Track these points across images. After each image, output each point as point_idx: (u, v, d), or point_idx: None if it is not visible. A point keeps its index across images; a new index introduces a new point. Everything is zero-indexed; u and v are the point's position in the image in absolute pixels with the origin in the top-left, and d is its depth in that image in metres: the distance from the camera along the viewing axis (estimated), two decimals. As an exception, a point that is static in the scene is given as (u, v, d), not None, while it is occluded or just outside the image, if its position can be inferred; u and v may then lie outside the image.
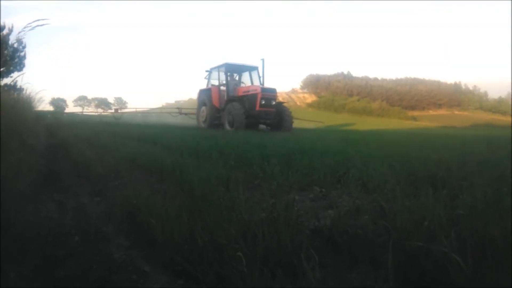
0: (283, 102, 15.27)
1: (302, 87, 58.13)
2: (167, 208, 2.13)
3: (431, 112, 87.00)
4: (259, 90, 13.18)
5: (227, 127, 13.60)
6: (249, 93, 13.69)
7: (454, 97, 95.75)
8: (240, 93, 14.37)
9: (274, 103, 13.52)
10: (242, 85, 15.92)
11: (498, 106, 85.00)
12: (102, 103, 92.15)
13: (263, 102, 13.08)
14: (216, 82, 16.00)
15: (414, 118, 72.43)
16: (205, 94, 15.86)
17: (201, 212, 2.09)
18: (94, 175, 3.65)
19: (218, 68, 15.70)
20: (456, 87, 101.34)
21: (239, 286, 1.26)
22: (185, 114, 21.02)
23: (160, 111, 24.51)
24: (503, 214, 1.59)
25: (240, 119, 12.74)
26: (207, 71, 16.60)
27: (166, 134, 9.23)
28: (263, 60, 14.31)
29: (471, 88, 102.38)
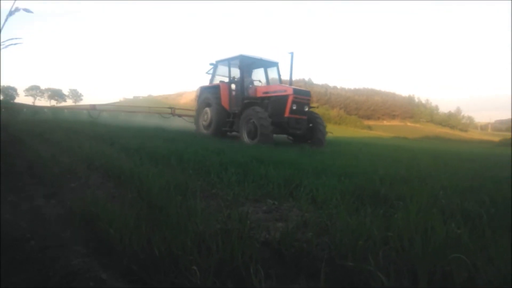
0: (313, 106, 11.62)
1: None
2: (126, 216, 2.21)
3: (385, 123, 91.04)
4: (290, 92, 10.05)
5: (246, 139, 10.18)
6: (275, 94, 10.54)
7: (408, 109, 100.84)
8: (260, 94, 11.10)
9: (307, 109, 10.53)
10: (258, 83, 12.63)
11: (447, 120, 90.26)
12: (55, 94, 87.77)
13: (295, 108, 10.02)
14: (225, 79, 12.68)
15: (369, 127, 75.43)
16: (210, 93, 12.28)
17: (159, 221, 2.19)
18: (49, 175, 3.62)
19: (229, 60, 12.25)
20: (410, 100, 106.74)
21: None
22: (179, 116, 17.73)
23: (149, 110, 18.92)
24: (428, 235, 1.83)
25: (267, 129, 9.44)
26: (211, 64, 13.15)
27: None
28: (292, 54, 10.77)
29: (423, 101, 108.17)
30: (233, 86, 11.87)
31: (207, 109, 12.29)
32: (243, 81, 11.59)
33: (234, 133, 11.31)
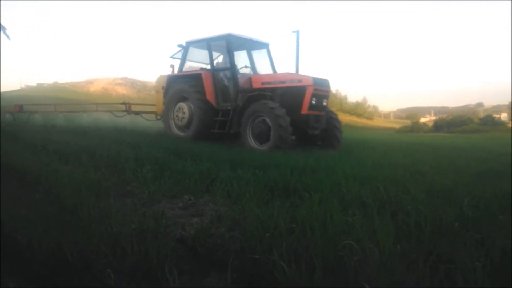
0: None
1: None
2: (34, 220, 2.13)
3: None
4: (309, 82, 7.91)
5: (251, 142, 7.90)
6: (286, 85, 8.23)
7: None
8: (257, 85, 8.56)
9: (326, 103, 8.47)
10: (245, 71, 9.85)
11: (355, 109, 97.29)
12: None
13: (314, 102, 7.94)
14: (200, 66, 10.27)
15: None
16: (186, 84, 9.44)
17: (70, 224, 2.15)
18: None
19: (209, 41, 9.46)
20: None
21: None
22: (136, 113, 13.84)
23: (97, 108, 14.38)
24: (327, 223, 2.06)
25: (286, 131, 7.40)
26: (180, 46, 10.15)
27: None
28: (297, 33, 8.66)
29: (334, 91, 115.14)
30: (220, 75, 9.45)
31: (183, 105, 9.46)
32: (235, 68, 8.94)
33: (226, 135, 8.91)
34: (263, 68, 10.15)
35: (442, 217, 2.36)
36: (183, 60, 10.12)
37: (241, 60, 10.07)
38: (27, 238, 1.93)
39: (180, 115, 9.53)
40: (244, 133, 7.98)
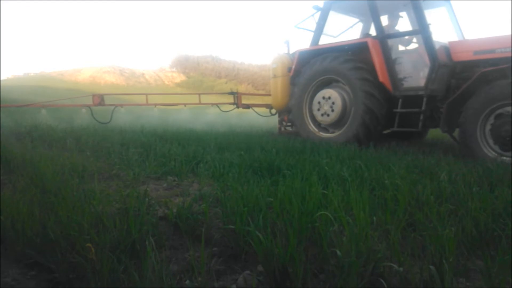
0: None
1: (171, 66, 57.09)
2: (18, 202, 2.15)
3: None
4: None
5: (488, 150, 4.72)
6: None
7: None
8: (465, 56, 5.58)
9: None
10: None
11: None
12: None
13: None
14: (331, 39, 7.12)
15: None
16: (335, 60, 6.32)
17: (53, 205, 2.17)
18: None
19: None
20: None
21: (89, 272, 1.46)
22: (246, 106, 9.39)
23: (199, 100, 9.51)
24: (306, 198, 2.12)
25: None
26: (316, 8, 7.00)
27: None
28: None
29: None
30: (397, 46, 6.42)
31: (329, 92, 6.33)
32: (428, 31, 5.61)
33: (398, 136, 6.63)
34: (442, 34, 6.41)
35: (419, 190, 2.44)
36: (320, 28, 6.90)
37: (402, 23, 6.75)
38: (10, 220, 1.95)
39: (326, 107, 6.34)
40: (472, 136, 4.82)
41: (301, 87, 6.69)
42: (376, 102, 5.76)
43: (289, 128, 7.76)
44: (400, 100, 5.70)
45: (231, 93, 9.20)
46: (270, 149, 4.32)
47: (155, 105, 9.37)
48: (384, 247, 1.61)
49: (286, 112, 7.32)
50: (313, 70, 6.51)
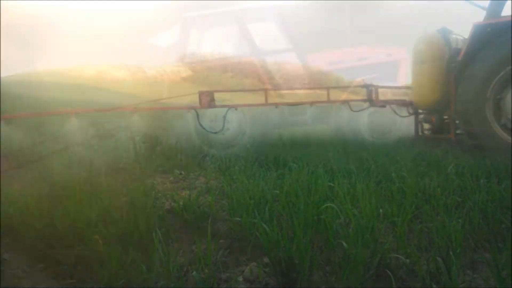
0: None
1: (176, 60, 57.15)
2: (27, 197, 2.17)
3: (297, 91, 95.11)
4: None
5: None
6: None
7: (316, 78, 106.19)
8: None
9: None
10: None
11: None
12: None
13: None
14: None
15: (282, 96, 78.15)
16: None
17: (62, 199, 2.19)
18: None
19: None
20: (319, 70, 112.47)
21: (96, 264, 1.48)
22: (383, 105, 6.01)
23: (328, 97, 5.61)
24: (312, 191, 2.12)
25: None
26: None
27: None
28: None
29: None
30: None
31: None
32: None
33: None
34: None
35: (426, 183, 2.42)
36: None
37: None
38: (20, 213, 1.98)
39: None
40: None
41: (478, 79, 4.41)
42: None
43: (428, 133, 5.69)
44: None
45: (366, 86, 6.27)
46: (276, 143, 4.31)
47: (276, 105, 5.89)
48: (391, 239, 1.61)
49: (434, 111, 5.32)
50: (502, 54, 4.23)
